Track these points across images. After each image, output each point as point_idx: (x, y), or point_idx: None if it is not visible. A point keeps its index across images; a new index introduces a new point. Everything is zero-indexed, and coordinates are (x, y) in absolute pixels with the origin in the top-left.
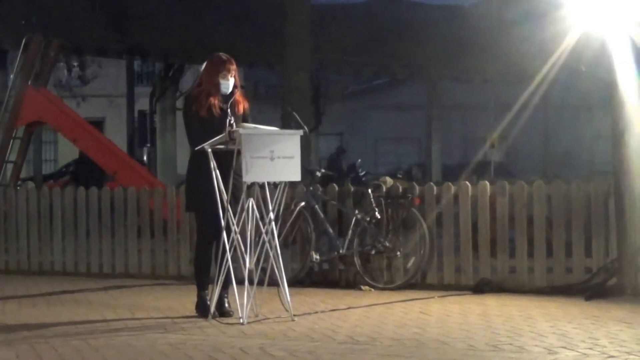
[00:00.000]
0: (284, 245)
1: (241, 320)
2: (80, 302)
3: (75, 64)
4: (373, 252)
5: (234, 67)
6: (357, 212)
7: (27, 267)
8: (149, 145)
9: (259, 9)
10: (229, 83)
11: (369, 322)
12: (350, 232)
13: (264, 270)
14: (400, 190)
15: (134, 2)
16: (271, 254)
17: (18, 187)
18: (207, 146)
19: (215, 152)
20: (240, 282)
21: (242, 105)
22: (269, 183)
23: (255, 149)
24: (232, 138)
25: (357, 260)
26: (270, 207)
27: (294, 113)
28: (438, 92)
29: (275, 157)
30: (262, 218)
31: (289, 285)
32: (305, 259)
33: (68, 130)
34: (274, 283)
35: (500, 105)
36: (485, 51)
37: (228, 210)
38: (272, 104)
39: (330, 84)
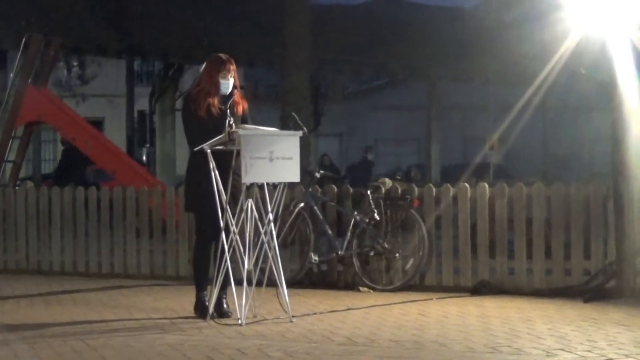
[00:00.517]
0: (282, 246)
1: (240, 321)
2: (78, 302)
3: (75, 63)
4: (372, 253)
5: (233, 67)
6: (356, 213)
7: (26, 266)
8: (148, 145)
9: (258, 9)
10: (228, 83)
11: (368, 324)
12: (349, 233)
13: (262, 271)
14: (400, 191)
15: (133, 1)
16: (270, 255)
17: (17, 187)
18: (206, 147)
19: (215, 153)
20: (238, 283)
21: (242, 106)
22: (268, 184)
23: (255, 149)
24: (231, 138)
25: (355, 262)
26: (269, 208)
27: (293, 114)
28: (438, 93)
29: (275, 157)
30: (261, 219)
31: (288, 286)
32: (304, 260)
33: (67, 130)
34: (272, 284)
35: (499, 107)
36: (485, 52)
37: (227, 210)
38: (272, 104)
39: (329, 85)
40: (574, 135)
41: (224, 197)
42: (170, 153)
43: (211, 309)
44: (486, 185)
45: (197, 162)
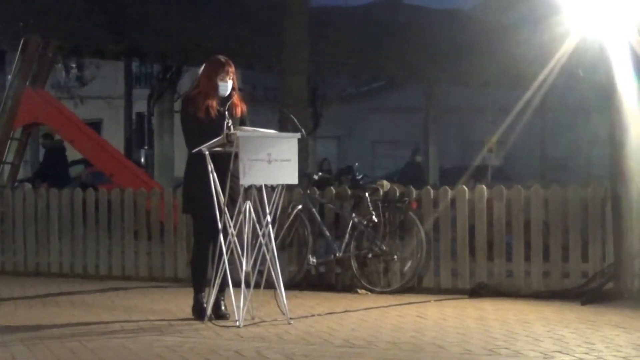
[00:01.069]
0: (280, 248)
1: (237, 323)
2: (76, 303)
3: (73, 65)
4: (370, 255)
5: (232, 69)
6: (354, 215)
7: (24, 268)
8: (146, 147)
9: (257, 11)
10: (227, 85)
11: (366, 326)
12: (347, 235)
13: (260, 273)
14: (398, 193)
15: (132, 3)
16: (268, 257)
17: (15, 188)
18: (204, 148)
19: (213, 155)
20: (236, 285)
21: (240, 108)
22: (266, 186)
23: (253, 151)
24: (229, 140)
25: (354, 264)
26: (268, 210)
27: (292, 116)
28: (436, 95)
29: (273, 160)
30: (259, 221)
31: (286, 288)
32: (302, 262)
33: (65, 132)
34: (270, 286)
35: (497, 109)
36: (483, 55)
37: (225, 212)
38: (270, 106)
39: (328, 87)
40: (572, 137)
41: (222, 199)
42: (168, 155)
43: (209, 311)
44: (484, 187)
45: (195, 164)
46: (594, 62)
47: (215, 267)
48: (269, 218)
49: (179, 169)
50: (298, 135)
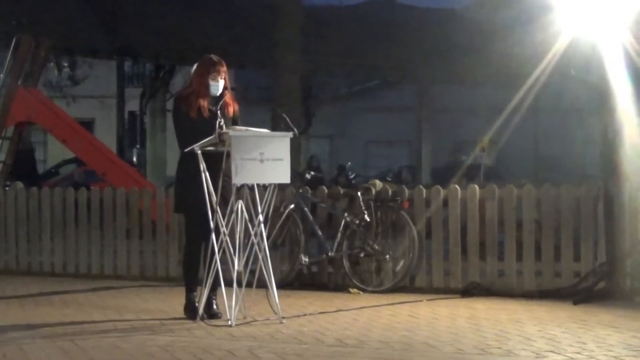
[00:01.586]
0: (273, 247)
1: (229, 322)
2: (68, 303)
3: (66, 64)
4: (362, 254)
5: (224, 68)
6: (346, 214)
7: (16, 267)
8: (138, 146)
9: (250, 10)
10: (219, 85)
11: (358, 325)
12: (339, 234)
13: (252, 272)
14: (390, 193)
15: (124, 3)
16: (260, 256)
17: (7, 188)
18: (196, 148)
19: (205, 154)
20: (228, 284)
21: (232, 107)
22: (258, 185)
23: (245, 150)
24: (222, 140)
25: (346, 263)
26: (260, 209)
27: (284, 115)
28: (429, 95)
29: (265, 159)
30: (251, 220)
31: (278, 287)
32: (294, 261)
33: (58, 131)
34: (262, 285)
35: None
36: (477, 54)
37: (217, 212)
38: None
39: (320, 86)
40: (564, 137)
41: (214, 198)
42: (160, 154)
43: (201, 310)
44: (476, 186)
45: (188, 163)
46: (586, 62)
47: (207, 266)
48: (261, 217)
49: (171, 168)
50: (290, 134)
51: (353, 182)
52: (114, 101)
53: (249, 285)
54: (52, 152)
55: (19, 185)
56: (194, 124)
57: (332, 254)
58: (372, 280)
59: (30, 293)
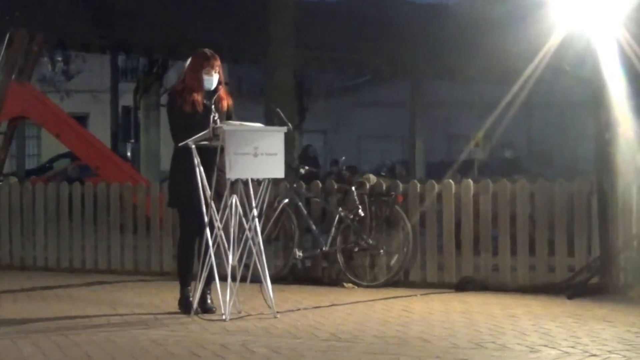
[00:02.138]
0: (267, 242)
1: (223, 317)
2: (62, 297)
3: (59, 59)
4: (356, 249)
5: (218, 63)
6: (340, 209)
7: (9, 262)
8: (132, 140)
9: (243, 5)
10: (212, 79)
11: (352, 320)
12: (333, 229)
13: (247, 266)
14: (384, 187)
15: None
16: (254, 251)
17: (0, 182)
18: (190, 142)
19: (199, 148)
20: (223, 279)
21: (226, 102)
22: (252, 180)
23: (239, 145)
24: (215, 134)
25: (340, 258)
26: (254, 204)
27: (278, 110)
28: (421, 89)
29: (259, 153)
30: (245, 215)
31: (272, 282)
32: (288, 256)
33: (51, 126)
34: (256, 280)
35: (484, 104)
36: (469, 49)
37: (211, 206)
38: (256, 100)
39: (314, 81)
40: (558, 132)
41: (208, 193)
42: (154, 149)
43: (195, 304)
44: (471, 181)
45: (182, 157)
46: (580, 57)
47: (201, 261)
48: (255, 212)
49: (165, 163)
50: (284, 129)
51: (344, 172)
52: (108, 96)
53: (243, 279)
54: (46, 146)
55: (13, 179)
56: (188, 118)
57: (326, 248)
58: (366, 274)
59: (23, 288)
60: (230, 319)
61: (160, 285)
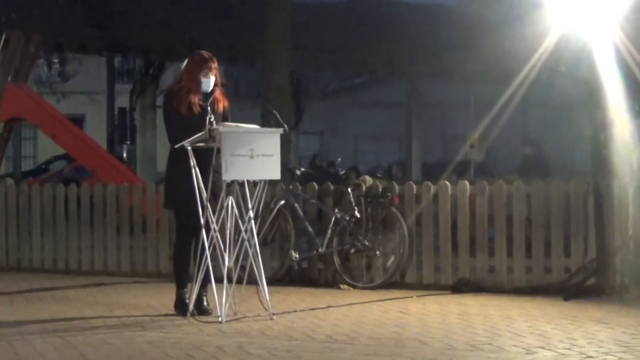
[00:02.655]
0: (263, 243)
1: (220, 319)
2: (58, 299)
3: (56, 60)
4: (352, 251)
5: (215, 65)
6: (336, 211)
7: (6, 263)
8: (128, 142)
9: (240, 6)
10: (209, 81)
11: (348, 321)
12: (329, 230)
13: (243, 268)
14: (380, 189)
15: None
16: (250, 252)
17: None
18: (187, 144)
19: (195, 150)
20: (219, 280)
21: (222, 103)
22: (248, 181)
23: (235, 147)
24: (212, 136)
25: (336, 259)
26: (250, 206)
27: (274, 111)
28: (418, 90)
29: (255, 155)
30: (241, 216)
31: (268, 283)
32: (284, 257)
33: (48, 127)
34: (253, 281)
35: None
36: (466, 50)
37: (207, 208)
38: (253, 101)
39: (310, 82)
40: (554, 133)
41: (204, 194)
42: (150, 150)
43: (191, 306)
44: (467, 182)
45: (178, 159)
46: (576, 58)
47: (197, 262)
48: (251, 213)
49: (162, 164)
50: (280, 130)
51: (343, 177)
52: (104, 97)
53: (239, 281)
54: (42, 148)
55: (9, 181)
56: (185, 120)
57: (323, 250)
58: (363, 276)
59: (20, 289)
60: (227, 321)
61: (156, 286)
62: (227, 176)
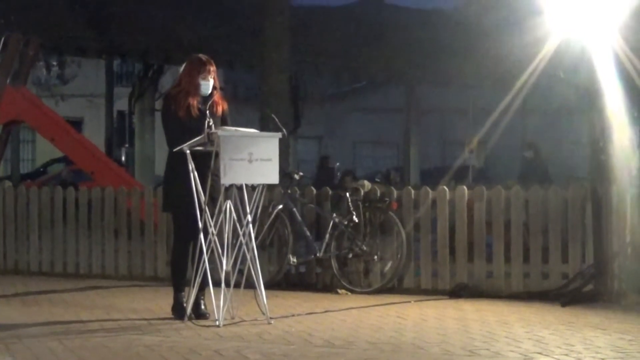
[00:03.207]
0: (261, 247)
1: (217, 323)
2: (56, 302)
3: (55, 63)
4: (350, 255)
5: (213, 68)
6: (334, 215)
7: (3, 266)
8: (127, 145)
9: (238, 10)
10: (208, 84)
11: (346, 326)
12: (327, 235)
13: (240, 272)
14: (378, 194)
15: (113, 1)
16: (248, 257)
17: None
18: (185, 147)
19: (194, 154)
20: (216, 284)
21: (221, 107)
22: (247, 185)
23: (234, 151)
24: (210, 139)
25: (334, 264)
26: (248, 209)
27: (273, 115)
28: (417, 95)
29: (254, 159)
30: (239, 220)
31: (266, 288)
32: (282, 261)
33: (46, 130)
34: (250, 285)
35: (478, 110)
36: (464, 55)
37: (205, 211)
38: (251, 105)
39: (309, 87)
40: (553, 138)
41: (202, 198)
42: (149, 153)
43: (189, 310)
44: (465, 188)
45: (176, 162)
46: (575, 64)
47: (195, 266)
48: (249, 217)
49: (160, 168)
50: (279, 134)
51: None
52: (103, 100)
53: (237, 285)
54: (40, 150)
55: (7, 183)
56: (183, 123)
57: (320, 254)
58: (360, 281)
59: (17, 292)
60: (224, 325)
61: (154, 290)
62: (226, 180)
